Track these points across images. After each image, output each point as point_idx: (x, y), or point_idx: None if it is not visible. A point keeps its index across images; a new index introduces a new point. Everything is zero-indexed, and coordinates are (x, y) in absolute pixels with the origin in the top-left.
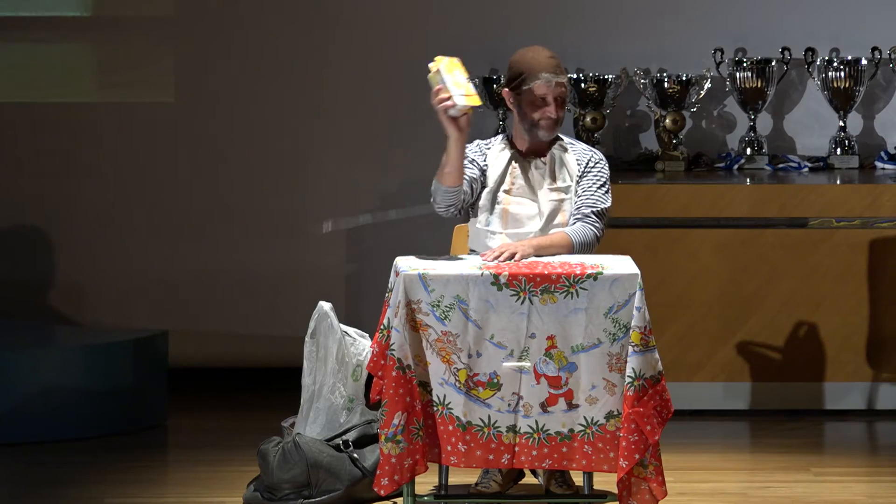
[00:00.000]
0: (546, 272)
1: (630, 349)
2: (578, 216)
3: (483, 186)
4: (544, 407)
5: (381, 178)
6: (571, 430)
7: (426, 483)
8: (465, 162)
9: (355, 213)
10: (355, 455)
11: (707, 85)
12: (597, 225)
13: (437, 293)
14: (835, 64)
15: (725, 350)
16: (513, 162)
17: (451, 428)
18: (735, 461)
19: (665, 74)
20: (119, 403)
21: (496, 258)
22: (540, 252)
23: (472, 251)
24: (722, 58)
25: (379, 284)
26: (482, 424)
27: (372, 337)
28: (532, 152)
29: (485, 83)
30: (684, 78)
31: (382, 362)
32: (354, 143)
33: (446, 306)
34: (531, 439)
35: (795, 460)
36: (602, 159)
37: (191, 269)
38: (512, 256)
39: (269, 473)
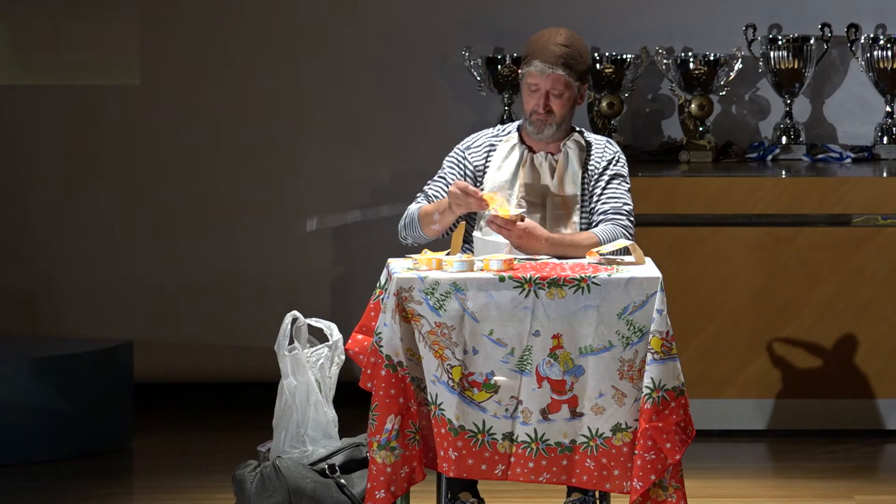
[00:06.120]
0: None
1: (649, 356)
2: (605, 218)
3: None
4: (545, 414)
5: (372, 171)
6: (573, 442)
7: (422, 491)
8: (451, 172)
9: (343, 210)
10: (342, 481)
11: (737, 66)
12: (630, 228)
13: (432, 279)
14: (881, 42)
15: (758, 363)
16: (522, 165)
17: (443, 431)
18: (768, 488)
19: (690, 54)
20: (78, 423)
21: (498, 223)
22: (557, 251)
23: None
24: (754, 35)
25: (370, 289)
26: (475, 430)
27: (349, 337)
28: (543, 149)
29: (488, 64)
30: (712, 58)
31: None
32: (342, 132)
33: (441, 294)
34: (528, 449)
35: (837, 487)
36: (622, 155)
37: (158, 273)
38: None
39: (246, 502)
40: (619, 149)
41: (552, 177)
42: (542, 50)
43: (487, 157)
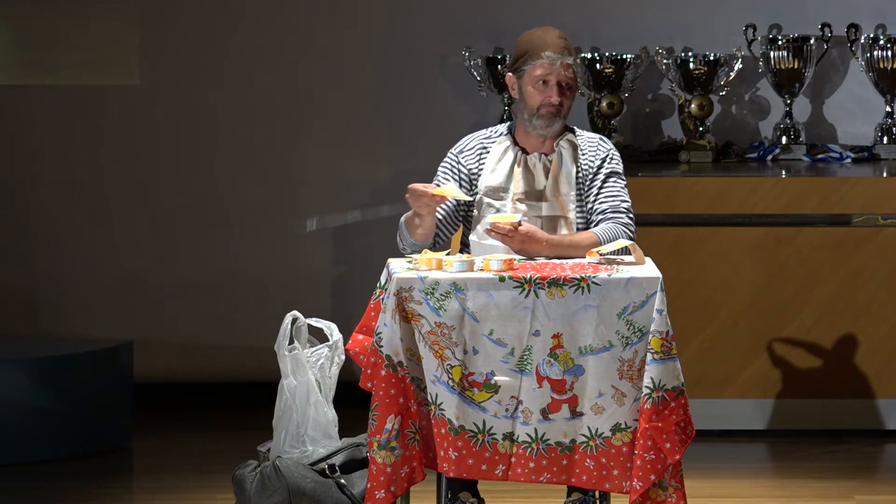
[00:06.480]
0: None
1: (649, 356)
2: (604, 217)
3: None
4: (545, 414)
5: (372, 171)
6: (573, 441)
7: (422, 491)
8: (445, 178)
9: (343, 210)
10: (342, 481)
11: (737, 66)
12: (630, 226)
13: (432, 279)
14: (881, 42)
15: (758, 363)
16: (516, 166)
17: (443, 431)
18: (768, 488)
19: (690, 54)
20: (78, 423)
21: (499, 231)
22: (557, 252)
23: None
24: (754, 35)
25: (370, 289)
26: (476, 430)
27: (349, 338)
28: (537, 149)
29: (488, 64)
30: (712, 58)
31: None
32: (342, 132)
33: (441, 294)
34: (528, 449)
35: (837, 487)
36: (616, 151)
37: (158, 273)
38: (511, 235)
39: (246, 502)
40: (612, 145)
41: (546, 177)
42: (545, 43)
43: (480, 159)
